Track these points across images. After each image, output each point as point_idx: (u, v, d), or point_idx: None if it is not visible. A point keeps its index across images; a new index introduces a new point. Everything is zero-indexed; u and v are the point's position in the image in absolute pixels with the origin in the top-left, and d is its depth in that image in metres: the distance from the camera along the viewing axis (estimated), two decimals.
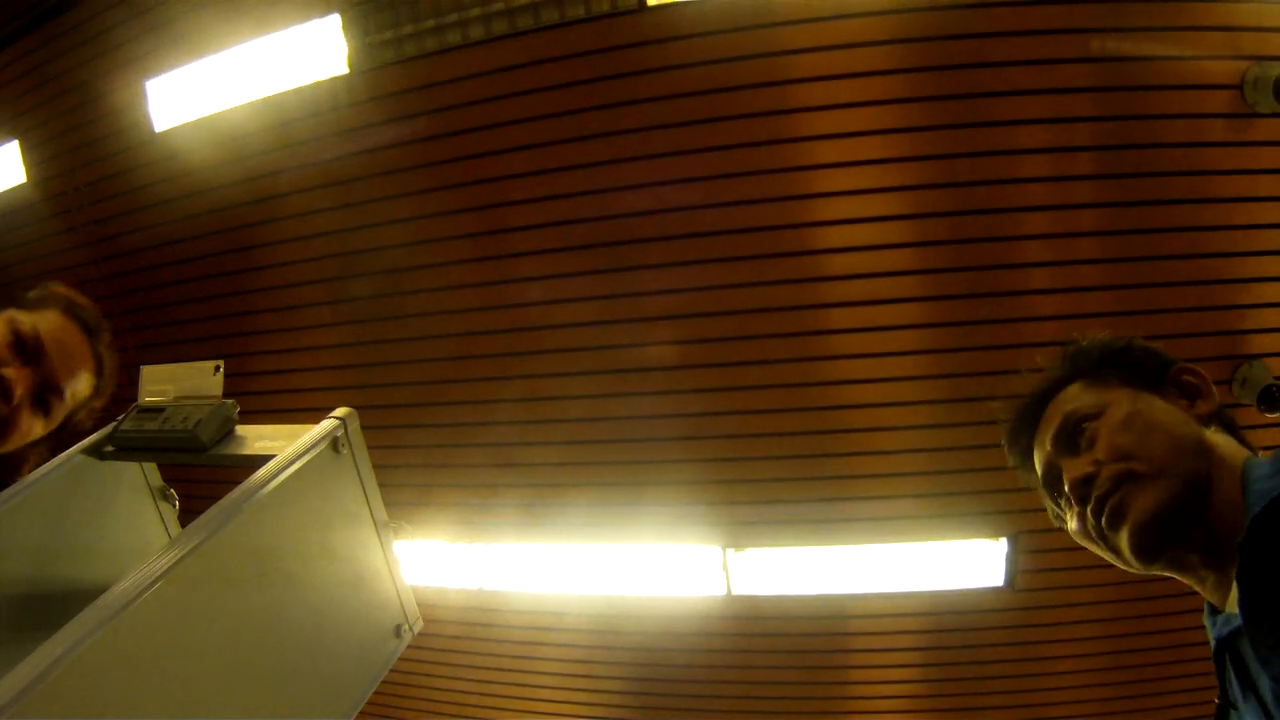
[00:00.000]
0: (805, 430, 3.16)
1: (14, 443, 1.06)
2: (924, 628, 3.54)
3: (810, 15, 2.70)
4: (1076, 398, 0.95)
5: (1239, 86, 2.59)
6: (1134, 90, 2.65)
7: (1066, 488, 0.89)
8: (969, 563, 3.32)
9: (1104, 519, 0.85)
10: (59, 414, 1.11)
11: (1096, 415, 0.91)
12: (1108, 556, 0.91)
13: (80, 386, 1.12)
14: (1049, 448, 0.95)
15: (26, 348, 1.04)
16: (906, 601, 3.45)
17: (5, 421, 1.03)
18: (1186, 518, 0.82)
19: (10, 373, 1.01)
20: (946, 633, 3.53)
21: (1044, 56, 2.64)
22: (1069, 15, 2.60)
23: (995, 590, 3.35)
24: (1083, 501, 0.88)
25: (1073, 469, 0.89)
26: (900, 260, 2.89)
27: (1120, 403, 0.91)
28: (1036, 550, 3.24)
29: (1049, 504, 0.99)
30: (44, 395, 1.06)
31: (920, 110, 2.74)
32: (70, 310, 1.14)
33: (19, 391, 1.02)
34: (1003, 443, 1.06)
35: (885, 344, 2.99)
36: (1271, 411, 2.69)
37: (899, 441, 3.13)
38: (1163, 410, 0.90)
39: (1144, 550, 0.84)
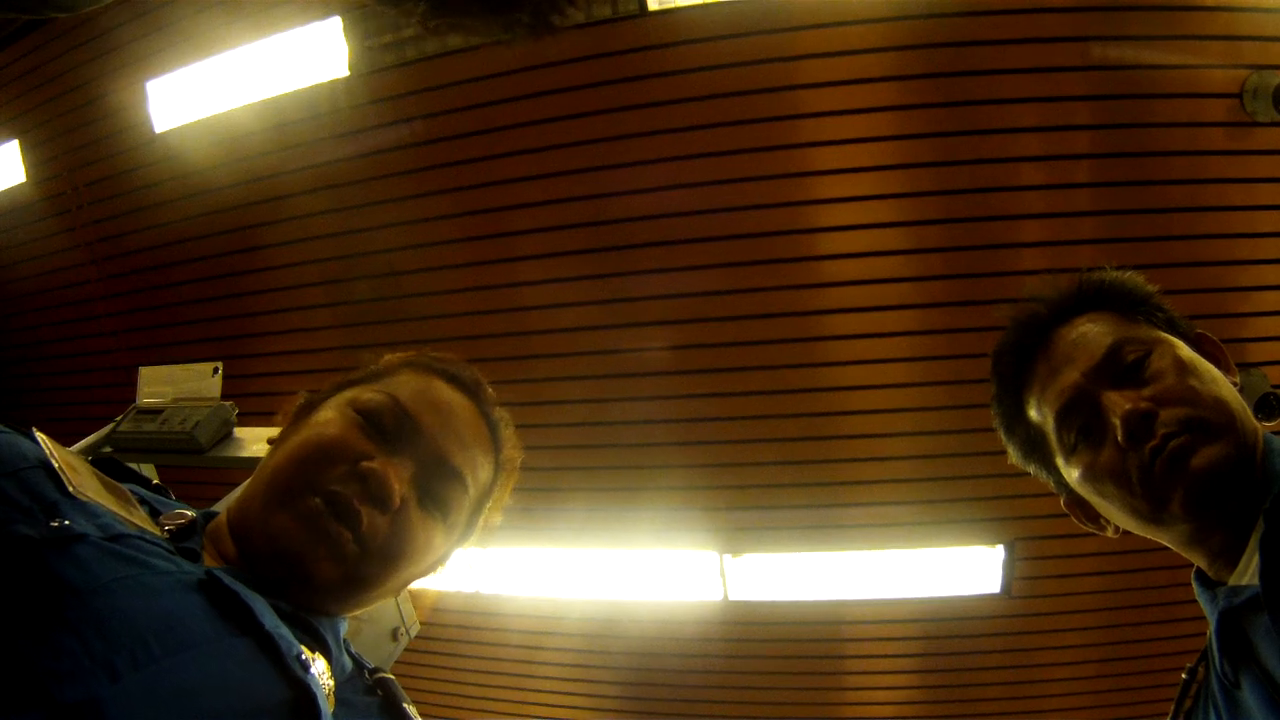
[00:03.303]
0: (804, 436, 3.16)
1: (416, 564, 0.75)
2: (920, 634, 3.54)
3: (811, 22, 2.71)
4: (1119, 330, 0.87)
5: (1238, 95, 2.60)
6: (1133, 98, 2.66)
7: (1119, 420, 0.79)
8: (965, 569, 3.31)
9: (1162, 462, 0.77)
10: (462, 510, 0.79)
11: (1149, 352, 0.84)
12: (1122, 504, 0.82)
13: (481, 467, 0.81)
14: (1079, 376, 0.85)
15: (386, 425, 0.73)
16: (903, 608, 3.44)
17: (390, 540, 0.70)
18: (1244, 478, 0.76)
19: (377, 465, 0.69)
20: (943, 639, 3.52)
21: (1044, 64, 2.65)
22: (1069, 23, 2.61)
23: (992, 597, 3.35)
24: (1134, 438, 0.79)
25: (1125, 401, 0.80)
26: (899, 267, 2.89)
27: (1171, 346, 0.85)
28: (1033, 557, 3.24)
29: (1058, 438, 0.88)
30: (434, 486, 0.74)
31: (921, 117, 2.74)
32: (426, 368, 0.84)
33: (398, 487, 0.69)
34: (991, 359, 0.99)
35: (884, 350, 2.99)
36: (1269, 420, 2.69)
37: (897, 448, 3.13)
38: (1211, 368, 0.84)
39: (1199, 504, 0.76)
